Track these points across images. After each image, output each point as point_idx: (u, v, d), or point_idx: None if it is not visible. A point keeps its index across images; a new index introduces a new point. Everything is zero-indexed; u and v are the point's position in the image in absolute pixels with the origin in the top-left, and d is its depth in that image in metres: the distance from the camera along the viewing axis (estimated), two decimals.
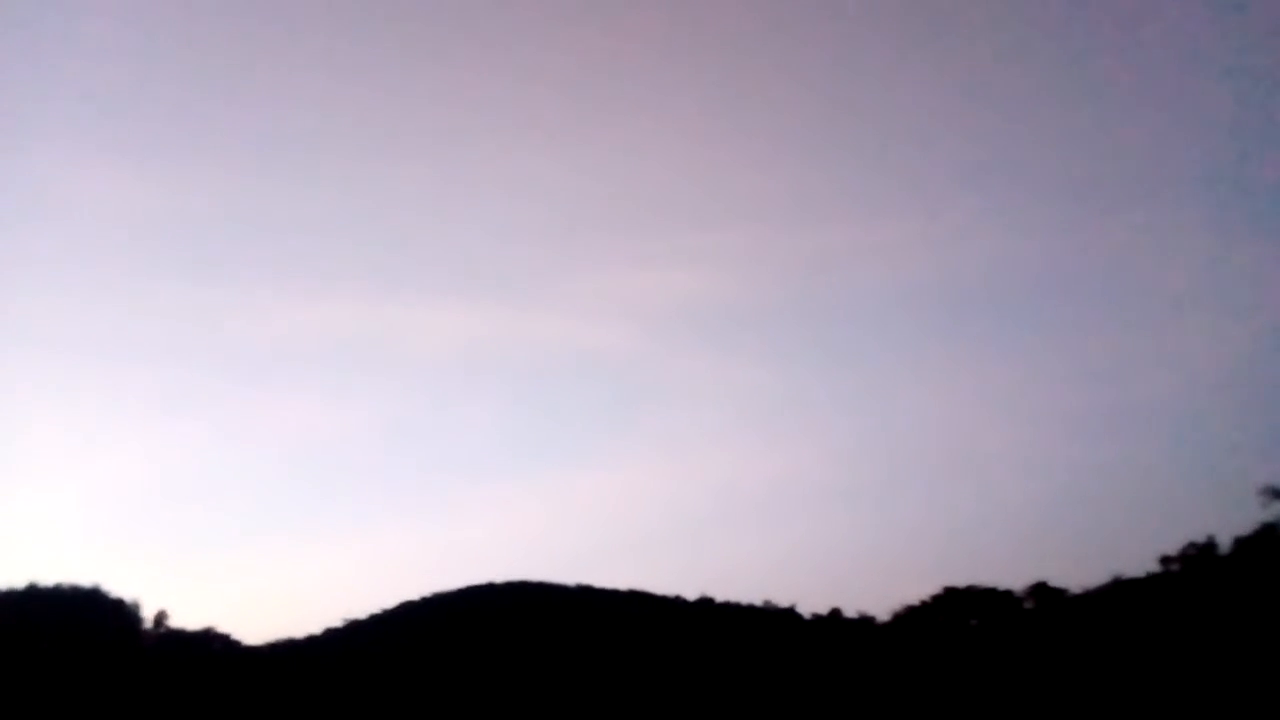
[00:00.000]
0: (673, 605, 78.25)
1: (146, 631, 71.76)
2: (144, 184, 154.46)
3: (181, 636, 71.93)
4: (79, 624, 65.40)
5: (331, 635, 79.61)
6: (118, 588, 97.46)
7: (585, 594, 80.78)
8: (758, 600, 79.26)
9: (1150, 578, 52.90)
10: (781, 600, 79.04)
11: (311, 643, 78.10)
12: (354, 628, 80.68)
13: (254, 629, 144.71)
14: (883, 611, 69.07)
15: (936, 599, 63.83)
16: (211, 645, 71.75)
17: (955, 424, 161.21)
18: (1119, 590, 53.53)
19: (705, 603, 79.52)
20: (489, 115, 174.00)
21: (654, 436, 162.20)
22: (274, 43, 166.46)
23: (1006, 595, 61.78)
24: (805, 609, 77.61)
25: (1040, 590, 60.25)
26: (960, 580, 64.97)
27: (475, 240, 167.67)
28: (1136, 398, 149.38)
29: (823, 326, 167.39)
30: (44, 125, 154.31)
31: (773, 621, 74.25)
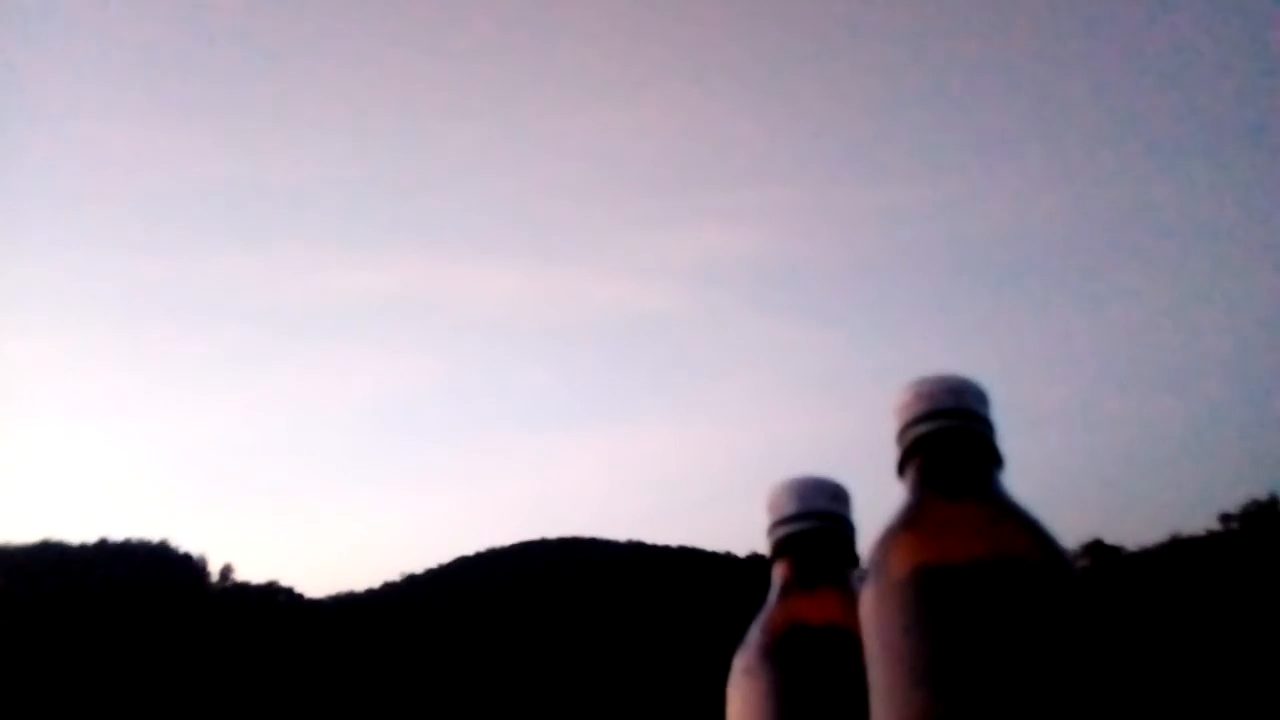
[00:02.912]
0: (723, 561, 78.77)
1: (213, 585, 74.32)
2: (202, 147, 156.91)
3: (246, 589, 74.38)
4: (148, 578, 67.99)
5: (390, 589, 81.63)
6: (185, 542, 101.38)
7: (636, 550, 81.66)
8: None
9: (1210, 536, 51.79)
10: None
11: (371, 596, 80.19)
12: (411, 581, 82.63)
13: (316, 582, 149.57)
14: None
15: None
16: (275, 598, 74.05)
17: (1012, 380, 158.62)
18: (1177, 548, 52.52)
19: (756, 559, 79.86)
20: (541, 74, 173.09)
21: (708, 395, 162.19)
22: (326, 6, 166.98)
23: None
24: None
25: (1096, 548, 59.39)
26: None
27: (529, 200, 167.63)
28: (1195, 352, 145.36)
29: (881, 284, 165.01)
30: (99, 87, 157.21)
31: None
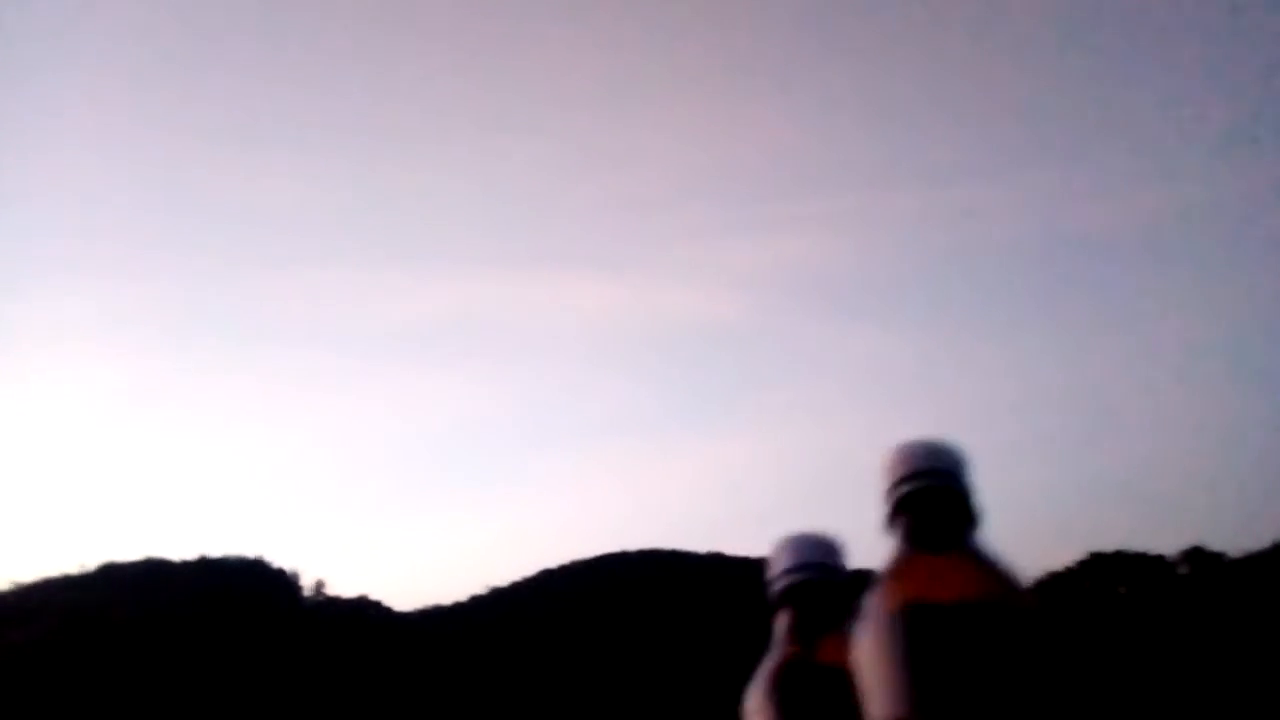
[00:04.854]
0: None
1: (306, 599, 76.48)
2: (286, 178, 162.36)
3: (338, 604, 76.36)
4: (245, 592, 70.32)
5: (476, 602, 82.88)
6: (279, 558, 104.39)
7: (716, 561, 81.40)
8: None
9: None
10: None
11: (457, 609, 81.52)
12: (496, 594, 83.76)
13: (404, 596, 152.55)
14: (1024, 579, 66.83)
15: (1082, 565, 61.37)
16: (366, 612, 75.82)
17: (1098, 382, 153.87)
18: None
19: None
20: (605, 86, 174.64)
21: (779, 404, 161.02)
22: (396, 34, 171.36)
23: (1158, 560, 58.86)
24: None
25: (1195, 555, 57.15)
26: (1108, 545, 62.30)
27: (596, 212, 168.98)
28: None
29: (947, 288, 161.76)
30: (186, 126, 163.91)
31: None
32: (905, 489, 0.63)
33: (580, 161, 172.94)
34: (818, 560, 0.72)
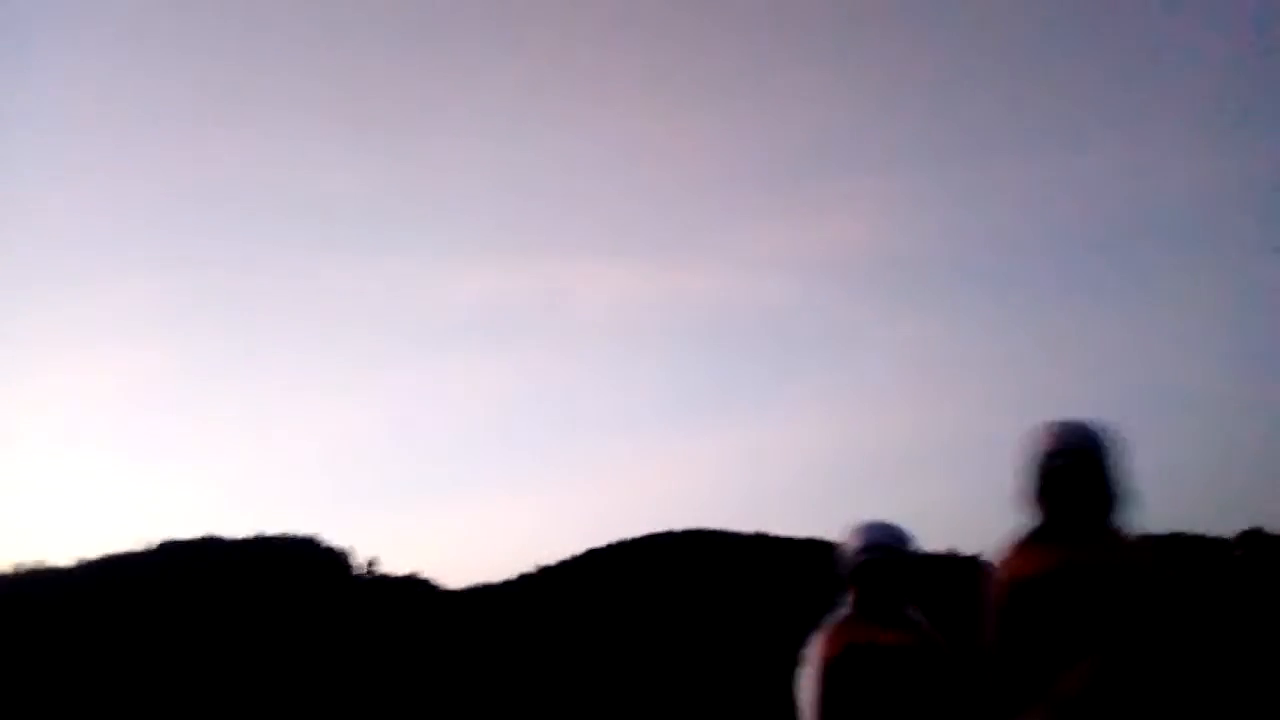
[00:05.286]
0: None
1: (358, 576, 77.99)
2: (326, 170, 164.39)
3: (389, 580, 77.76)
4: (299, 569, 71.96)
5: (524, 580, 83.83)
6: (333, 537, 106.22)
7: (761, 541, 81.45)
8: (940, 548, 77.45)
9: None
10: (966, 548, 76.88)
11: (506, 587, 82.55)
12: (544, 573, 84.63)
13: (454, 574, 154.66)
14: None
15: None
16: (416, 589, 77.15)
17: (1152, 363, 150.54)
18: None
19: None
20: (636, 70, 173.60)
21: (823, 387, 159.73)
22: (443, 28, 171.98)
23: (1215, 542, 57.81)
24: (993, 556, 74.95)
25: (1252, 537, 56.04)
26: (1162, 528, 61.25)
27: (631, 198, 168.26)
28: None
29: (996, 270, 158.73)
30: (240, 116, 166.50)
31: (957, 569, 72.48)
32: (1044, 467, 0.72)
33: (616, 146, 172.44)
34: (887, 543, 0.82)
